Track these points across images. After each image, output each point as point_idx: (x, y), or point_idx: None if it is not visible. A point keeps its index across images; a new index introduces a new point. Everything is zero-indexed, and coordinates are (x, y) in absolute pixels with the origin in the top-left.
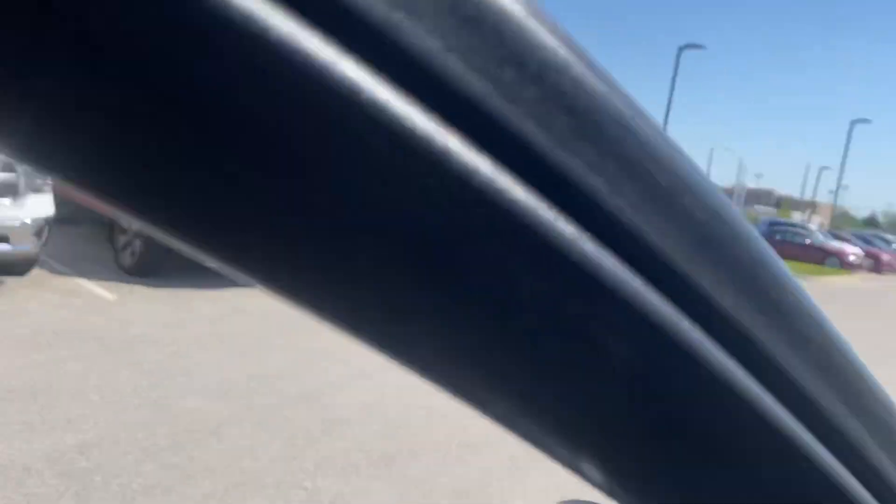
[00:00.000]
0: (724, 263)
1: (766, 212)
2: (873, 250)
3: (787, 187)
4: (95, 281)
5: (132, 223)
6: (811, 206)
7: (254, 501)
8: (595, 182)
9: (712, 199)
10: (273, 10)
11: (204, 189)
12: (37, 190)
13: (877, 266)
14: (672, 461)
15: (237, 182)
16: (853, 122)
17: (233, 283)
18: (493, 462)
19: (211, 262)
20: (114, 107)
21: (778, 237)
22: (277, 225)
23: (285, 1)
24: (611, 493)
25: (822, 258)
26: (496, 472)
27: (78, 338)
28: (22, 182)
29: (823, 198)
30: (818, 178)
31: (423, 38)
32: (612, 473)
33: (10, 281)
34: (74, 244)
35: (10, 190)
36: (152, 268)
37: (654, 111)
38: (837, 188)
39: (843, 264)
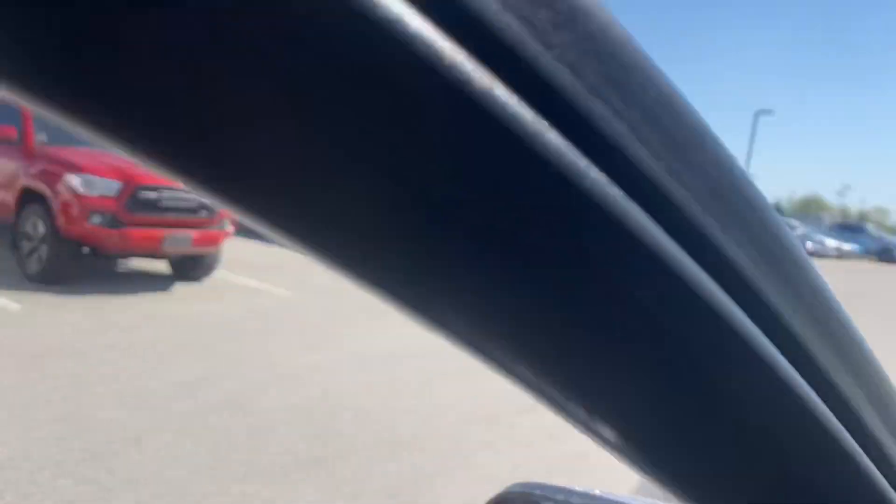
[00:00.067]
0: (733, 216)
1: None
2: None
3: None
4: None
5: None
6: None
7: None
8: (619, 128)
9: (723, 154)
10: None
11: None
12: None
13: None
14: (684, 419)
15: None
16: (757, 113)
17: (145, 290)
18: (424, 460)
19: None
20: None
21: None
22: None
23: None
24: (624, 454)
25: None
26: (427, 470)
27: None
28: None
29: None
30: None
31: None
32: (627, 434)
33: None
34: None
35: None
36: (60, 275)
37: None
38: None
39: None
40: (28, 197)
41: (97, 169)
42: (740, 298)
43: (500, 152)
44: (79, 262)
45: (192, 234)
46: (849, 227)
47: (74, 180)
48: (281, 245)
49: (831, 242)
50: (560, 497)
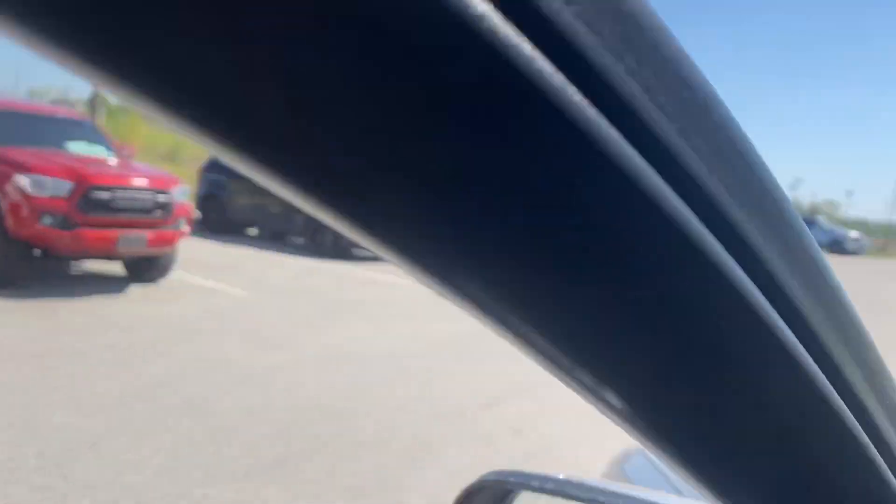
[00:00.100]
0: (735, 179)
1: None
2: None
3: None
4: None
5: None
6: None
7: None
8: (632, 89)
9: (728, 120)
10: None
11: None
12: None
13: None
14: (689, 385)
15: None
16: None
17: (99, 292)
18: (388, 458)
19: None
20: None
21: None
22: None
23: None
24: (630, 422)
25: None
26: (391, 468)
27: None
28: None
29: None
30: None
31: None
32: (633, 400)
33: None
34: None
35: None
36: (10, 278)
37: None
38: None
39: None
40: None
41: (47, 169)
42: (743, 258)
43: (520, 102)
44: (30, 264)
45: (147, 234)
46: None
47: (23, 181)
48: (243, 245)
49: None
50: (535, 483)
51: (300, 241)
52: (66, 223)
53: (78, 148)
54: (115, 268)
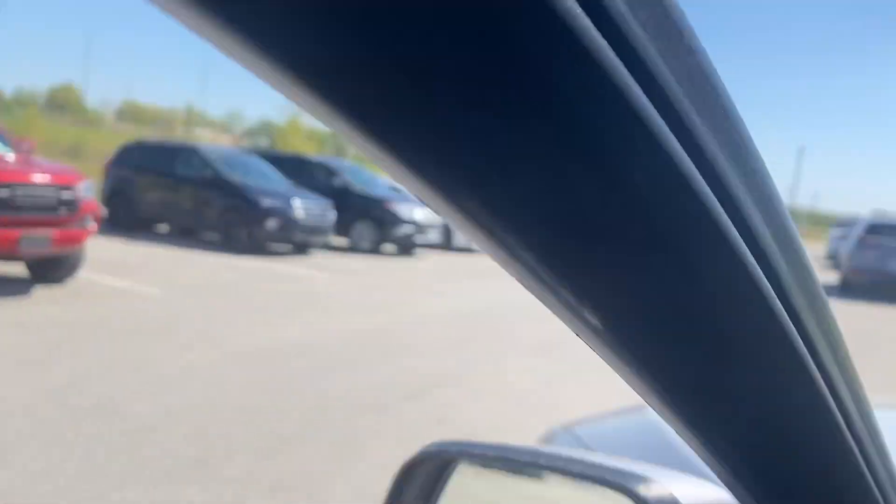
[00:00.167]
0: (730, 147)
1: None
2: None
3: None
4: None
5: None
6: None
7: None
8: (652, 50)
9: (726, 98)
10: None
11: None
12: None
13: None
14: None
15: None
16: None
17: (1, 294)
18: (313, 454)
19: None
20: None
21: None
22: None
23: None
24: (606, 342)
25: None
26: (316, 463)
27: None
28: None
29: None
30: None
31: None
32: (613, 321)
33: None
34: None
35: None
36: None
37: None
38: None
39: None
40: None
41: None
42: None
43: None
44: None
45: (51, 233)
46: None
47: None
48: (153, 243)
49: None
50: (476, 451)
51: (213, 236)
52: None
53: None
54: (19, 269)
